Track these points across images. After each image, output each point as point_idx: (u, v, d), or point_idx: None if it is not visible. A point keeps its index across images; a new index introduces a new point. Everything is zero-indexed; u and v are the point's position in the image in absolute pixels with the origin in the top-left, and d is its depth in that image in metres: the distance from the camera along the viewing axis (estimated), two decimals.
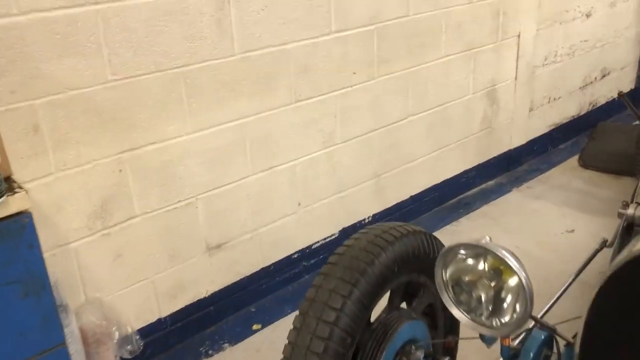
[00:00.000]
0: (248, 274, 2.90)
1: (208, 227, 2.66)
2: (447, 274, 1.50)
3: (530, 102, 4.14)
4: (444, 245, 2.04)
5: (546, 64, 4.15)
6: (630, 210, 2.30)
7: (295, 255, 3.07)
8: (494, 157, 4.03)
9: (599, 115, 4.85)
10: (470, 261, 1.51)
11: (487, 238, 1.46)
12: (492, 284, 1.48)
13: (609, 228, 3.43)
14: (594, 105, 4.80)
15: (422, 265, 1.88)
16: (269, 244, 2.93)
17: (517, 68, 3.90)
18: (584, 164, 4.22)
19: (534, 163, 4.31)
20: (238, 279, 2.86)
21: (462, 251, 1.50)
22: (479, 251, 1.49)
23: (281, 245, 2.99)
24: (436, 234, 3.53)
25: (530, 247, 3.31)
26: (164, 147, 2.41)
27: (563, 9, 4.12)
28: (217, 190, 2.65)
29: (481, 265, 1.52)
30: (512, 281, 1.49)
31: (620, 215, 2.34)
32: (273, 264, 2.98)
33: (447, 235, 3.47)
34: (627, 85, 5.11)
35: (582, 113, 4.69)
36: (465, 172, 3.86)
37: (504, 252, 1.44)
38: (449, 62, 3.44)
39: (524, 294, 1.40)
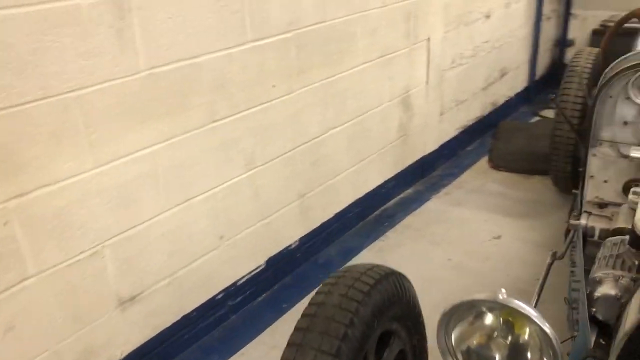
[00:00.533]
0: (167, 325, 2.49)
1: (118, 277, 2.23)
2: (452, 338, 1.25)
3: (440, 106, 4.06)
4: (411, 284, 1.80)
5: (453, 67, 4.09)
6: (582, 221, 2.21)
7: (220, 296, 2.70)
8: (410, 165, 3.90)
9: (499, 114, 4.92)
10: (477, 319, 1.27)
11: (503, 292, 1.23)
12: (507, 341, 1.25)
13: (534, 231, 3.41)
14: (495, 105, 4.86)
15: (395, 312, 1.63)
16: (189, 287, 2.55)
17: (428, 72, 3.79)
18: (495, 165, 4.22)
19: (446, 167, 4.25)
20: (156, 333, 2.45)
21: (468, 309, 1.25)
22: (491, 306, 1.25)
23: (203, 287, 2.61)
24: (364, 252, 3.34)
25: (461, 258, 3.19)
26: (59, 189, 1.95)
27: (467, 11, 4.08)
28: (127, 234, 2.22)
29: (489, 321, 1.28)
30: (527, 332, 1.27)
31: (572, 226, 2.24)
32: (195, 309, 2.60)
33: (376, 252, 3.27)
34: (521, 84, 5.26)
35: (485, 114, 4.73)
36: (385, 182, 3.70)
37: (523, 305, 1.21)
38: (366, 69, 3.24)
39: (551, 346, 1.19)
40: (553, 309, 2.33)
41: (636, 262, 1.83)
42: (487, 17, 4.36)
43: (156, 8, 2.09)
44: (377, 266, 1.60)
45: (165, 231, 2.37)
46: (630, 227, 2.06)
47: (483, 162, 4.33)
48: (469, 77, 4.33)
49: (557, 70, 5.63)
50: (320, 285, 1.52)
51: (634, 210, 2.12)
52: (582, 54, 3.57)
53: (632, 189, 2.19)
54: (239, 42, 2.45)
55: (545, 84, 5.56)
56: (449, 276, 3.04)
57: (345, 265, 1.75)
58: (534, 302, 2.18)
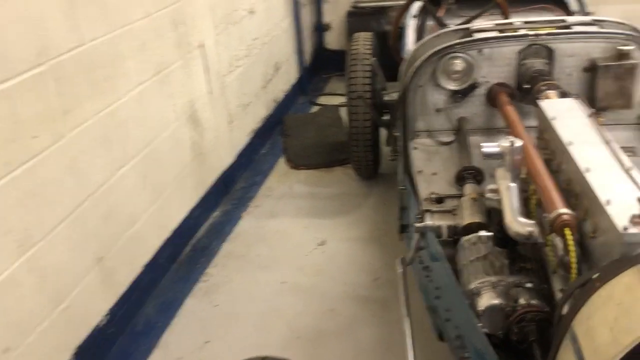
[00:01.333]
0: None
1: None
2: None
3: (228, 115, 3.72)
4: None
5: (231, 71, 3.77)
6: (428, 222, 2.09)
7: None
8: (212, 185, 3.51)
9: (282, 110, 4.76)
10: None
11: None
12: None
13: (355, 227, 3.30)
14: (277, 102, 4.68)
15: None
16: None
17: (209, 81, 3.41)
18: (295, 165, 4.05)
19: (248, 177, 3.95)
20: None
21: None
22: None
23: None
24: (188, 300, 2.86)
25: (295, 277, 2.94)
26: None
27: (232, 9, 3.78)
28: None
29: None
30: None
31: (418, 229, 2.11)
32: None
33: (201, 298, 2.85)
34: (294, 75, 5.16)
35: (270, 112, 4.52)
36: (191, 212, 3.26)
37: None
38: (143, 91, 2.74)
39: None
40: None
41: (506, 262, 1.75)
42: (252, 12, 4.11)
43: None
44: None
45: None
46: (479, 221, 2.01)
47: (282, 163, 4.12)
48: (248, 79, 4.05)
49: (321, 56, 5.69)
50: None
51: (475, 200, 2.07)
52: (359, 40, 3.52)
53: (467, 184, 2.15)
54: None
55: (314, 71, 5.58)
56: (290, 302, 2.76)
57: None
58: (406, 317, 2.01)
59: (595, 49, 2.16)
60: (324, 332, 2.57)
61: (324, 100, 5.14)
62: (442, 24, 2.81)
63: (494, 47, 2.21)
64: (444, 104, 2.32)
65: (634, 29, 2.25)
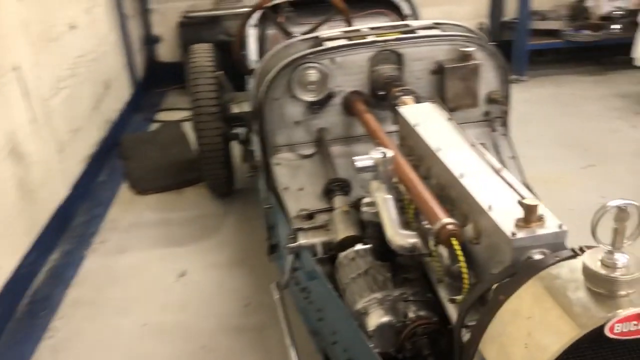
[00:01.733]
0: None
1: None
2: None
3: (57, 143, 3.31)
4: None
5: (56, 94, 3.35)
6: (302, 241, 1.99)
7: None
8: (47, 224, 3.09)
9: (118, 131, 4.38)
10: None
11: None
12: None
13: (216, 252, 3.10)
14: (111, 123, 4.29)
15: None
16: None
17: (30, 108, 2.99)
18: (141, 190, 3.72)
19: (88, 210, 3.54)
20: None
21: None
22: None
23: None
24: None
25: (158, 317, 2.66)
26: None
27: (49, 25, 3.36)
28: None
29: None
30: None
31: (291, 250, 2.00)
32: None
33: (49, 358, 2.46)
34: (127, 92, 4.79)
35: (104, 135, 4.12)
36: (24, 258, 2.82)
37: None
38: None
39: None
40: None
41: (388, 275, 1.70)
42: (73, 27, 3.71)
43: None
44: None
45: None
46: (353, 234, 1.95)
47: (125, 189, 3.77)
48: (76, 100, 3.65)
49: (153, 70, 5.37)
50: None
51: (347, 213, 2.01)
52: (198, 52, 3.33)
53: (336, 197, 2.08)
54: None
55: (148, 86, 5.24)
56: (155, 347, 2.50)
57: None
58: (291, 347, 1.88)
59: (440, 52, 2.21)
60: None
61: (163, 116, 4.84)
62: (287, 33, 2.73)
63: (346, 55, 2.17)
64: (302, 116, 2.23)
65: (471, 31, 2.35)
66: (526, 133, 3.70)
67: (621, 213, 0.91)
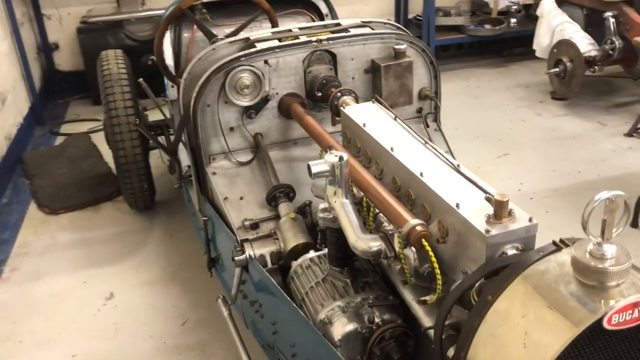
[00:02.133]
0: None
1: None
2: None
3: None
4: None
5: None
6: (249, 252, 1.90)
7: None
8: None
9: (19, 148, 4.03)
10: None
11: None
12: None
13: (144, 270, 2.92)
14: (10, 139, 3.93)
15: None
16: None
17: None
18: (52, 209, 3.43)
19: None
20: None
21: None
22: None
23: None
24: None
25: (88, 347, 2.46)
26: None
27: None
28: None
29: None
30: None
31: (239, 263, 1.90)
32: None
33: None
34: (25, 105, 4.41)
35: (3, 153, 3.77)
36: None
37: None
38: None
39: None
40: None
41: (347, 280, 1.65)
42: None
43: None
44: None
45: None
46: (304, 241, 1.88)
47: (33, 210, 3.47)
48: None
49: (53, 80, 5.00)
50: None
51: (295, 220, 1.94)
52: (108, 59, 3.11)
53: (281, 204, 2.00)
54: None
55: (48, 97, 4.88)
56: None
57: None
58: None
59: (373, 50, 2.19)
60: None
61: (67, 128, 4.51)
62: (210, 35, 2.60)
63: (280, 57, 2.10)
64: (237, 122, 2.14)
65: (400, 28, 2.36)
66: (442, 127, 3.80)
67: (611, 204, 0.91)
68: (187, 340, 2.48)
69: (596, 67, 4.19)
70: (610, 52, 4.14)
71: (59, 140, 4.33)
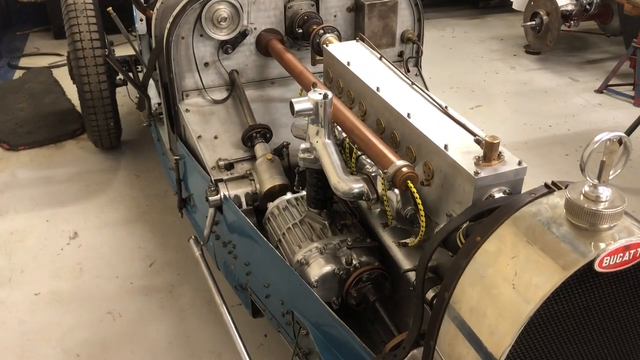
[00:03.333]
0: None
1: None
2: None
3: None
4: None
5: None
6: (224, 193, 1.85)
7: None
8: None
9: None
10: None
11: None
12: None
13: (114, 211, 2.84)
14: None
15: None
16: None
17: None
18: (11, 146, 3.28)
19: None
20: None
21: None
22: None
23: None
24: None
25: (52, 285, 2.39)
26: None
27: None
28: None
29: None
30: None
31: (213, 203, 1.85)
32: None
33: None
34: None
35: None
36: None
37: None
38: None
39: None
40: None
41: (325, 222, 1.62)
42: None
43: None
44: None
45: None
46: (280, 183, 1.84)
47: None
48: None
49: (10, 10, 4.72)
50: None
51: (272, 161, 1.89)
52: None
53: (257, 144, 1.94)
54: None
55: (5, 28, 4.62)
56: (53, 317, 2.24)
57: None
58: (222, 305, 1.75)
59: None
60: (108, 342, 2.15)
61: (27, 62, 4.29)
62: None
63: None
64: (213, 57, 2.04)
65: None
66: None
67: (611, 145, 0.89)
68: (155, 282, 2.44)
69: (572, 21, 4.18)
70: (587, 6, 4.13)
71: (18, 74, 4.12)
